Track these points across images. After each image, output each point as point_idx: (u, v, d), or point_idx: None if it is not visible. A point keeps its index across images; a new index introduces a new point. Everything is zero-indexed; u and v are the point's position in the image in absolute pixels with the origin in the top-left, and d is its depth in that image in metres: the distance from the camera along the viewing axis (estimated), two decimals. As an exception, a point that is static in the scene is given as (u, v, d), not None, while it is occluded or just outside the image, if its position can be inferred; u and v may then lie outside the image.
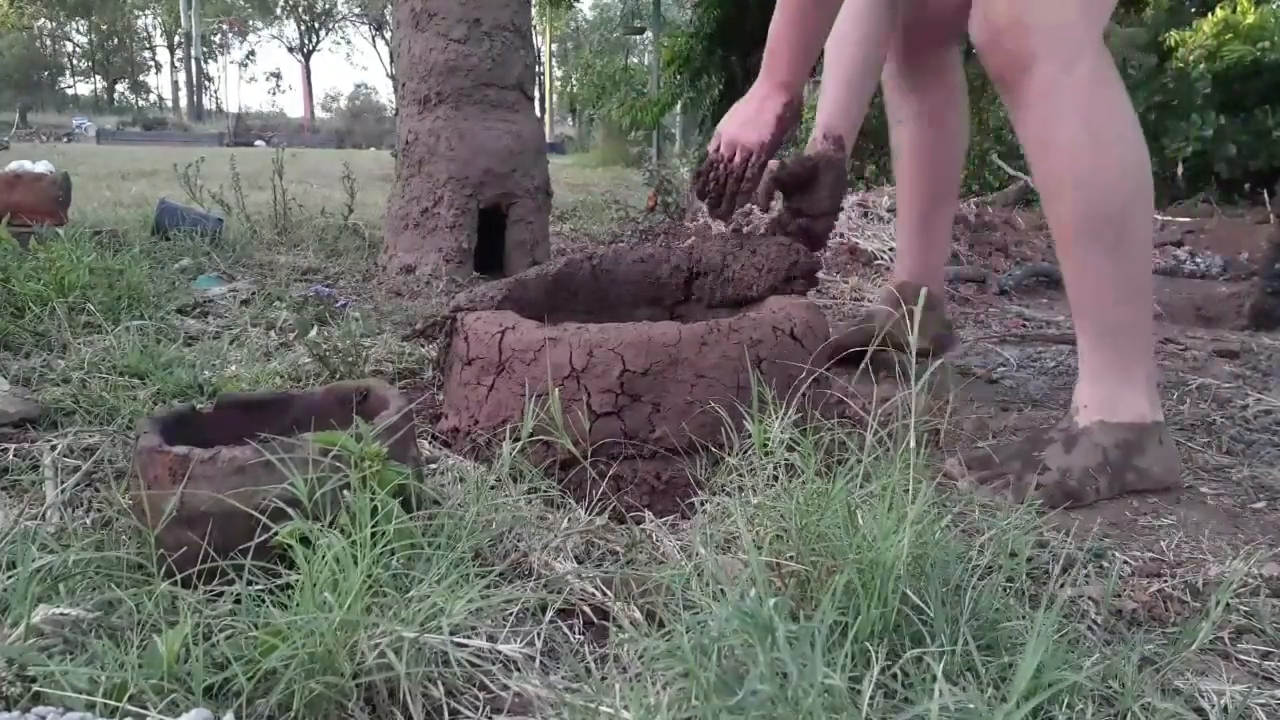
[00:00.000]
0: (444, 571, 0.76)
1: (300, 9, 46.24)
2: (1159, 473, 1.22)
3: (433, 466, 1.16)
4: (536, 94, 3.19)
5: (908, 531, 0.70)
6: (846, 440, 0.90)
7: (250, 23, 48.64)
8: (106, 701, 0.64)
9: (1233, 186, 5.23)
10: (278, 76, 62.36)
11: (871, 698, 0.60)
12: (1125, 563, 1.01)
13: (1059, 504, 1.15)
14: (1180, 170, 5.29)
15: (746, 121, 1.42)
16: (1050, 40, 1.18)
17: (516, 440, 1.06)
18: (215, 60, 48.82)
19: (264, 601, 0.73)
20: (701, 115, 8.97)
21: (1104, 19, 1.25)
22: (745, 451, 0.98)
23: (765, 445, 0.95)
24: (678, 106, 10.37)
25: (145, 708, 0.64)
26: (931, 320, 1.74)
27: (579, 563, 0.93)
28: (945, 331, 1.85)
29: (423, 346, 1.82)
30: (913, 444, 0.80)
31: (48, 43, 44.61)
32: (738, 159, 1.42)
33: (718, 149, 1.44)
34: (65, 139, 18.99)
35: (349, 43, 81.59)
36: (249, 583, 0.76)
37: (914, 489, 0.74)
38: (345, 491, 0.80)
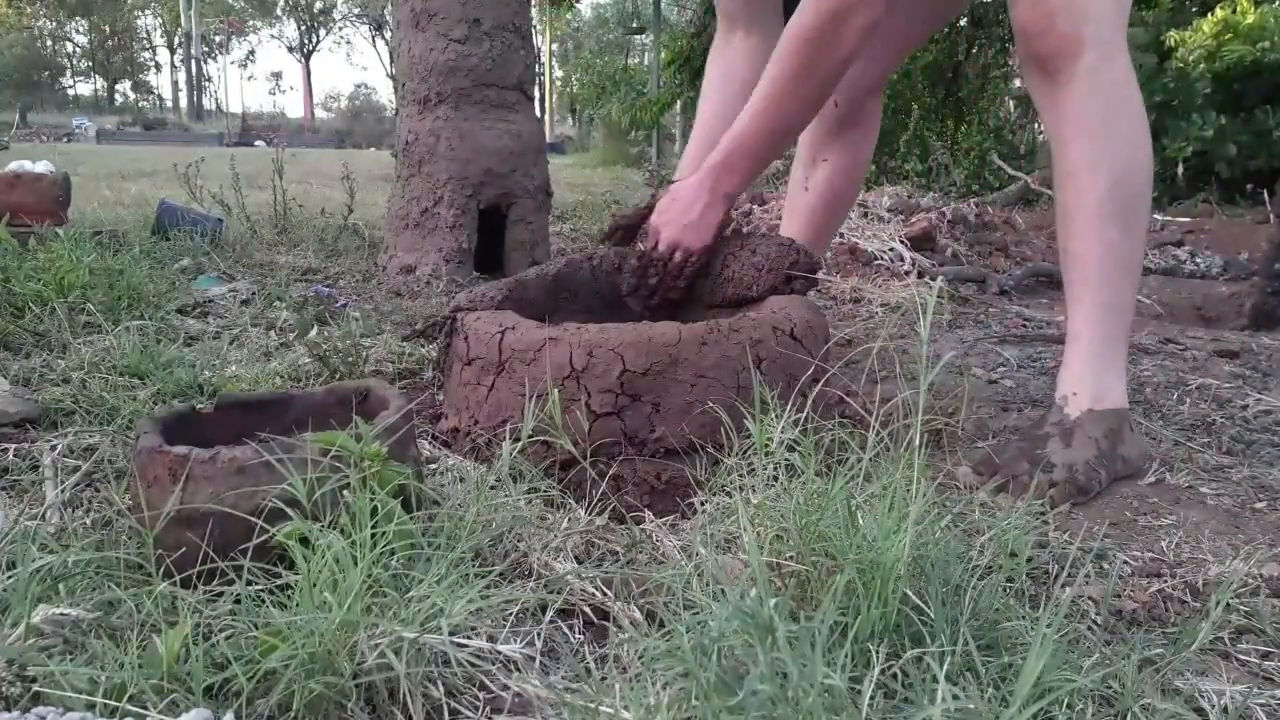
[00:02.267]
0: (444, 572, 0.76)
1: (300, 9, 46.23)
2: (1136, 458, 1.28)
3: (433, 466, 1.16)
4: (536, 94, 3.19)
5: (909, 532, 0.70)
6: (848, 440, 0.90)
7: (249, 23, 48.63)
8: (106, 701, 0.64)
9: (1233, 186, 5.22)
10: (278, 77, 62.48)
11: (871, 698, 0.60)
12: (1125, 563, 1.00)
13: (1070, 499, 1.17)
14: (1180, 170, 5.29)
15: (688, 226, 1.45)
16: (1100, 30, 1.26)
17: (516, 440, 1.06)
18: (215, 60, 48.85)
19: (264, 602, 0.73)
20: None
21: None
22: (745, 451, 0.98)
23: (766, 445, 0.95)
24: (677, 106, 10.37)
25: (145, 708, 0.64)
26: None
27: (579, 563, 0.93)
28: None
29: (423, 346, 1.82)
30: (916, 443, 0.80)
31: (48, 43, 44.60)
32: (678, 257, 1.47)
33: (655, 247, 1.48)
34: (65, 139, 19.00)
35: (348, 43, 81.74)
36: (249, 583, 0.75)
37: (915, 489, 0.74)
38: (345, 492, 0.80)
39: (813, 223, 1.92)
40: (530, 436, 1.06)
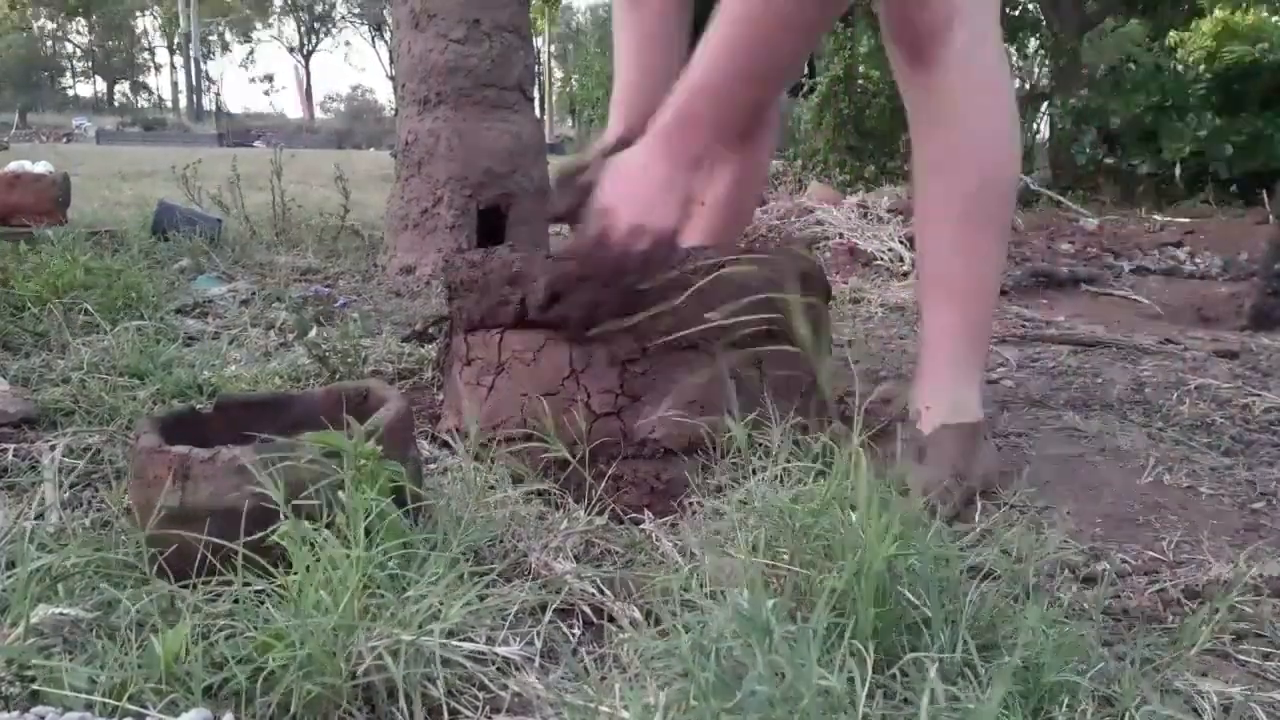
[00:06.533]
0: (441, 571, 0.76)
1: (299, 9, 46.25)
2: (991, 473, 1.17)
3: (432, 466, 1.16)
4: (536, 94, 3.19)
5: (895, 531, 0.70)
6: (836, 443, 0.90)
7: (248, 22, 48.67)
8: (106, 701, 0.64)
9: (1231, 186, 5.24)
10: (270, 79, 62.69)
11: (870, 698, 0.60)
12: (1125, 563, 1.00)
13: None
14: (1178, 170, 5.30)
15: (648, 201, 1.07)
16: (972, 10, 1.16)
17: (514, 440, 1.06)
18: (214, 60, 48.91)
19: (263, 602, 0.73)
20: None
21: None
22: (743, 452, 0.98)
23: (764, 446, 0.94)
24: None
25: (145, 707, 0.64)
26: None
27: (578, 562, 0.93)
28: None
29: (423, 346, 1.82)
30: (901, 447, 0.80)
31: (48, 43, 44.62)
32: (642, 245, 1.06)
33: (606, 235, 1.06)
34: (65, 139, 19.03)
35: (347, 43, 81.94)
36: (247, 583, 0.75)
37: (899, 488, 0.74)
38: (341, 492, 0.80)
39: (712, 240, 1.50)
40: (529, 438, 1.06)
